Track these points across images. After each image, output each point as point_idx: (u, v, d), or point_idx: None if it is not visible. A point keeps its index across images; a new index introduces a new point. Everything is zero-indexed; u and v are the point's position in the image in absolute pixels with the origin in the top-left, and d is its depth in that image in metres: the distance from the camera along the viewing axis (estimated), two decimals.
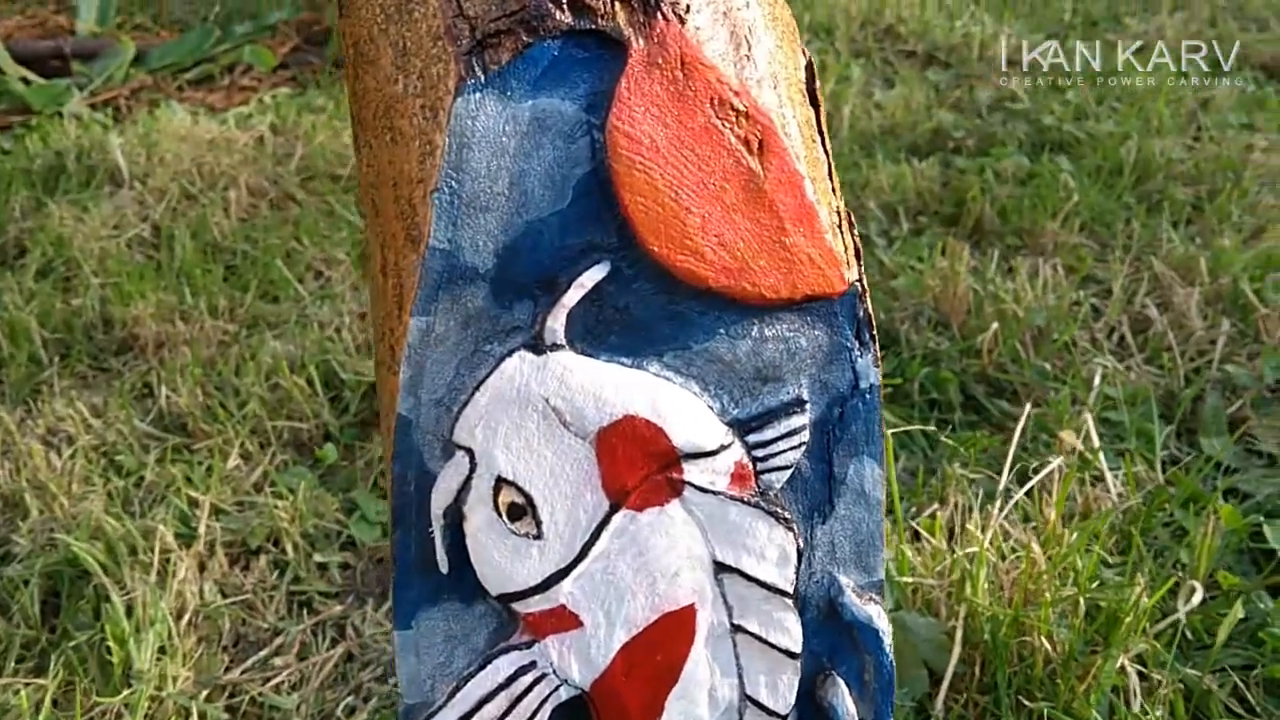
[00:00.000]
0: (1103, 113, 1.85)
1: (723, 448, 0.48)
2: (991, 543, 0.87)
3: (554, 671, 0.48)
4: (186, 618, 0.97)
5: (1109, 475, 1.01)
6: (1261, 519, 0.95)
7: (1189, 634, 0.87)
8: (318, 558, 1.06)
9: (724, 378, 0.48)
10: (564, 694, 0.49)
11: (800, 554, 0.50)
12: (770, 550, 0.49)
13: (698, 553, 0.49)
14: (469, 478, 0.46)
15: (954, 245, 1.39)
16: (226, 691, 0.92)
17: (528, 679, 0.48)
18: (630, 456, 0.47)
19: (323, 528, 1.09)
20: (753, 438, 0.49)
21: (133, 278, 1.49)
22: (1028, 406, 0.97)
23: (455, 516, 0.47)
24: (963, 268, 1.32)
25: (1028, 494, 0.96)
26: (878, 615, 0.51)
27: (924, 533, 0.92)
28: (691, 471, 0.48)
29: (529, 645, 0.48)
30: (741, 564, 0.49)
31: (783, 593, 0.49)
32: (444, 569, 0.47)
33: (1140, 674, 0.81)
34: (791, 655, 0.50)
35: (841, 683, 0.51)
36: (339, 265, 1.57)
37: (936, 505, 0.98)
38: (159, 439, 1.22)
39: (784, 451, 0.49)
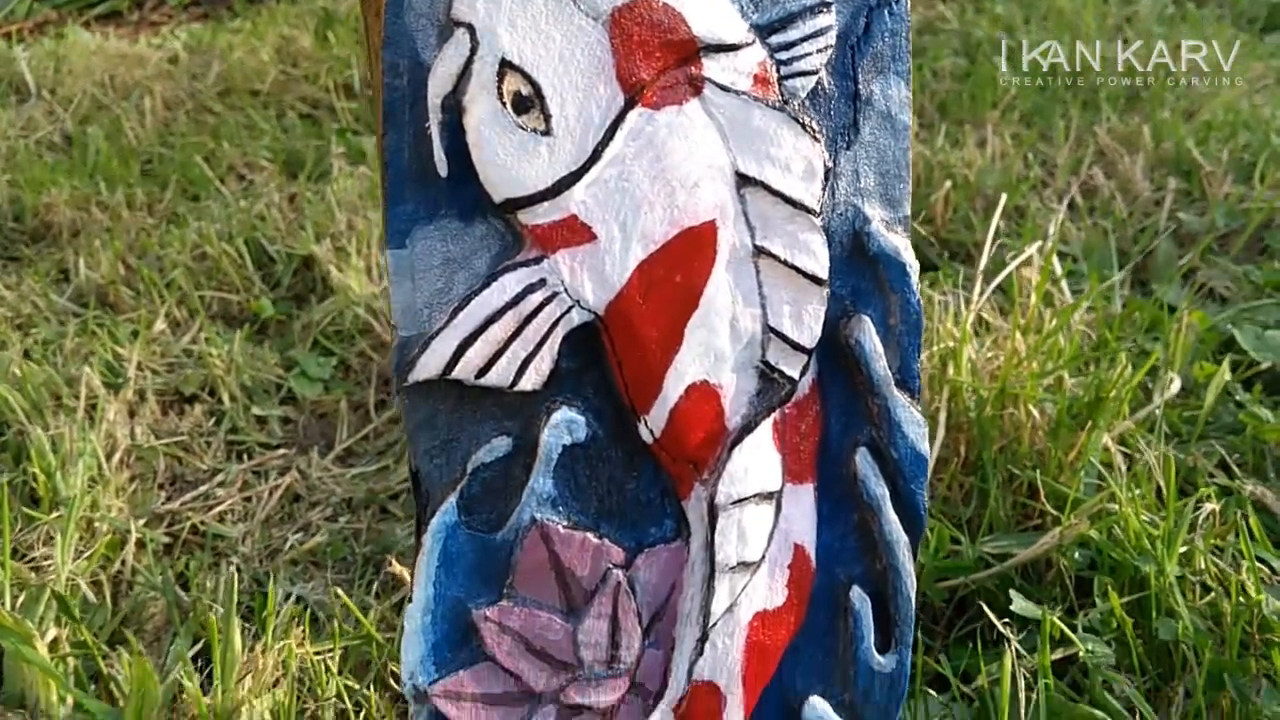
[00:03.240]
0: (1031, 27, 1.86)
1: (744, 44, 0.44)
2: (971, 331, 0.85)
3: (565, 290, 0.44)
4: (118, 456, 0.90)
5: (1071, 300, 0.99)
6: (1230, 326, 0.95)
7: (1166, 428, 0.86)
8: (256, 410, 1.00)
9: None
10: (576, 318, 0.44)
11: (827, 172, 0.46)
12: (796, 162, 0.45)
13: (719, 162, 0.45)
14: (469, 60, 0.42)
15: None
16: (165, 521, 0.85)
17: (537, 297, 0.44)
18: (646, 44, 0.43)
19: (261, 380, 1.02)
20: (775, 39, 0.45)
21: (44, 170, 1.41)
22: (1002, 199, 0.95)
23: (455, 111, 0.42)
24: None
25: (1001, 314, 0.94)
26: (905, 249, 0.47)
27: None
28: (712, 68, 0.44)
29: (538, 261, 0.44)
30: (765, 176, 0.45)
31: (808, 210, 0.46)
32: (442, 172, 0.43)
33: (1126, 455, 0.80)
34: (818, 281, 0.46)
35: (867, 319, 0.48)
36: (262, 170, 1.50)
37: None
38: (78, 314, 1.14)
39: (808, 54, 0.45)
